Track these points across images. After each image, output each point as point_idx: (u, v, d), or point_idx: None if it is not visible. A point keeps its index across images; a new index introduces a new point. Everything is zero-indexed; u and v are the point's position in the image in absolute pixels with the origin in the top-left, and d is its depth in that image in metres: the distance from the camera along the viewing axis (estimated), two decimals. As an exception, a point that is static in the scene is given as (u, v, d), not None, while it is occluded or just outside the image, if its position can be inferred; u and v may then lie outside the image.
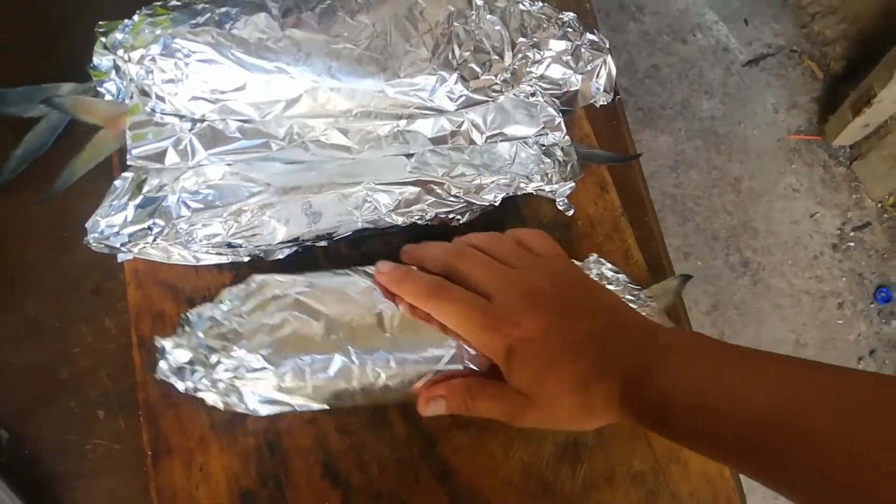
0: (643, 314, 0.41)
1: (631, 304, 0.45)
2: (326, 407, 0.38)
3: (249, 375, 0.37)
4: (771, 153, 1.65)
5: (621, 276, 0.48)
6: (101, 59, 0.45)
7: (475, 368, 0.39)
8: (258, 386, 0.37)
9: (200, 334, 0.38)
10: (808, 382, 0.30)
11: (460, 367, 0.39)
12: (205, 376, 0.38)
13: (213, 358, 0.37)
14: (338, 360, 0.38)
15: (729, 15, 1.79)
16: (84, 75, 0.46)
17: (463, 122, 0.47)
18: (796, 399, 0.29)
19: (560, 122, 0.50)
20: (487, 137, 0.48)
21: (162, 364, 0.38)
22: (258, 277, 0.40)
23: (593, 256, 0.49)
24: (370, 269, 0.42)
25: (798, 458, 0.28)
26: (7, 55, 0.51)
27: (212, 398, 0.38)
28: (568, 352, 0.35)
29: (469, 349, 0.39)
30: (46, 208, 0.45)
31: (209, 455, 0.39)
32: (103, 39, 0.45)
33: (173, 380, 0.38)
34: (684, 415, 0.32)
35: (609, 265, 0.48)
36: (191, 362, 0.38)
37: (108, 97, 0.46)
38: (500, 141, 0.49)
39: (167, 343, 0.38)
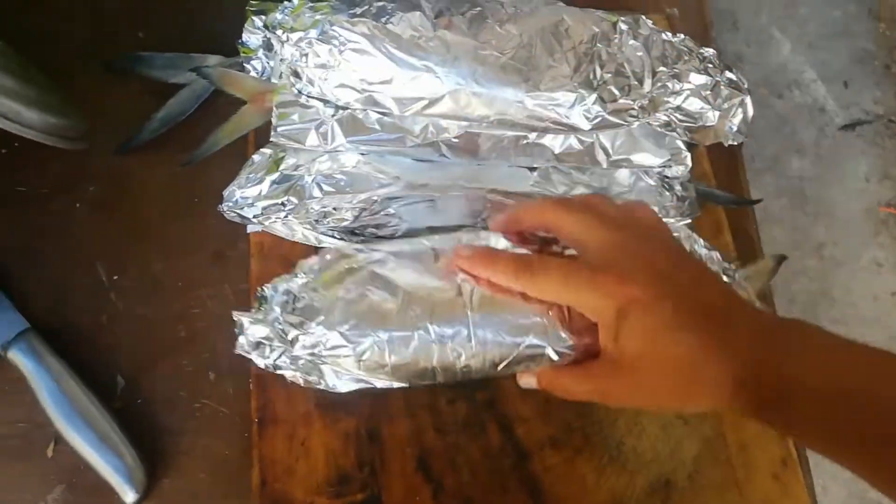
0: None
1: None
2: (407, 385, 0.37)
3: (328, 353, 0.36)
4: (857, 222, 1.59)
5: (714, 254, 0.45)
6: (251, 37, 0.47)
7: (564, 350, 0.36)
8: (338, 363, 0.36)
9: (277, 309, 0.37)
10: None
11: (546, 346, 0.36)
12: (284, 353, 0.37)
13: (291, 334, 0.36)
14: (416, 338, 0.36)
15: (829, 76, 1.74)
16: (228, 49, 0.48)
17: (592, 143, 0.47)
18: None
19: (687, 157, 0.49)
20: (612, 161, 0.47)
21: (241, 339, 0.38)
22: (333, 250, 0.39)
23: (684, 231, 0.45)
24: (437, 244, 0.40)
25: None
26: (157, 25, 0.53)
27: (291, 375, 0.37)
28: (683, 320, 0.32)
29: (557, 328, 0.36)
30: (178, 173, 0.47)
31: (312, 431, 0.40)
32: (255, 18, 0.47)
33: (253, 356, 0.37)
34: (818, 405, 0.30)
35: (703, 241, 0.45)
36: (268, 338, 0.37)
37: (252, 73, 0.48)
38: (625, 167, 0.48)
39: (244, 319, 0.38)
